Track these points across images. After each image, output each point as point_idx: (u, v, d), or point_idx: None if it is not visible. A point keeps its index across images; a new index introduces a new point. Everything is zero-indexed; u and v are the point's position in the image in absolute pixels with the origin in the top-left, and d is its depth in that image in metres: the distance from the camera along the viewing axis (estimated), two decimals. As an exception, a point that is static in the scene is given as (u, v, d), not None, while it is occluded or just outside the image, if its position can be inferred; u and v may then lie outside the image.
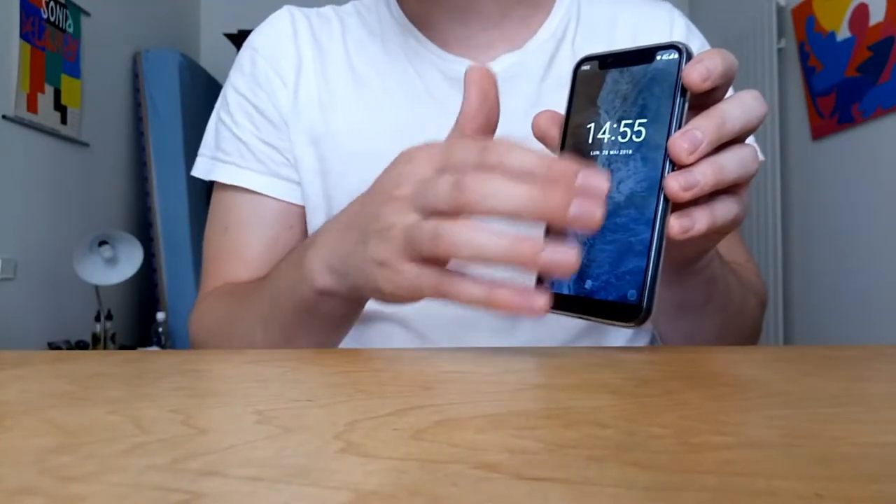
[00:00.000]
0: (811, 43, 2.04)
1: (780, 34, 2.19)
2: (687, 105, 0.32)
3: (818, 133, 2.03)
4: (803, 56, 2.08)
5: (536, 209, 0.29)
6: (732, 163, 0.32)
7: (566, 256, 0.29)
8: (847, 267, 1.90)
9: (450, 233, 0.30)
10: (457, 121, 0.36)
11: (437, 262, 0.32)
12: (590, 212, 0.29)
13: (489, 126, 0.36)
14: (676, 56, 0.32)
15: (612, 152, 0.33)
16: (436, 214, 0.31)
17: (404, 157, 0.35)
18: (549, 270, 0.30)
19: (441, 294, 0.32)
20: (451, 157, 0.33)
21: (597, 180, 0.29)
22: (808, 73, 2.06)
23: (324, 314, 0.43)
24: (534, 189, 0.29)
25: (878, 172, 1.78)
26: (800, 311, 2.15)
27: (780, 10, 2.20)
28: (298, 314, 0.43)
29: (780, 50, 2.20)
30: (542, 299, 0.30)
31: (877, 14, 1.76)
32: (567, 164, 0.30)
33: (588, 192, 0.29)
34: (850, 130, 1.89)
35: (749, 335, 0.55)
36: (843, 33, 1.90)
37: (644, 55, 0.34)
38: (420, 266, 0.32)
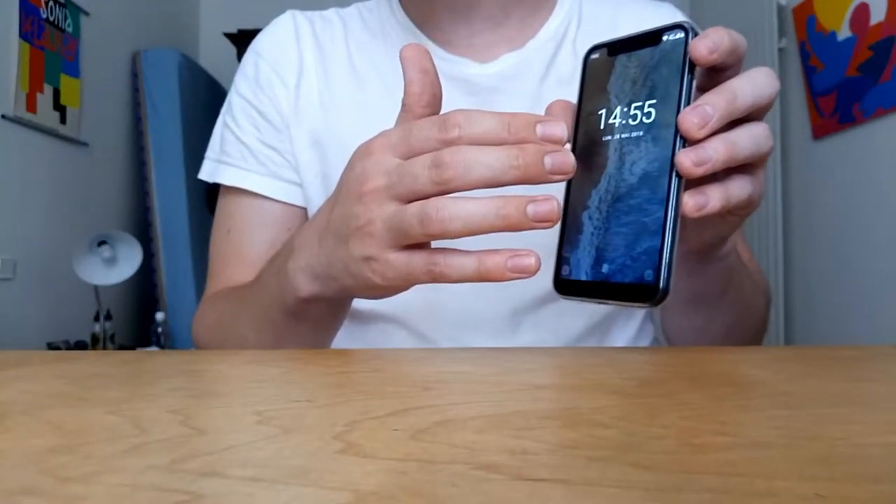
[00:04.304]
0: (812, 42, 2.04)
1: (781, 34, 2.19)
2: (695, 83, 0.32)
3: (819, 132, 2.03)
4: (804, 55, 2.08)
5: (518, 169, 0.30)
6: (745, 139, 0.32)
7: (550, 205, 0.30)
8: (848, 266, 1.90)
9: (437, 209, 0.30)
10: (403, 103, 0.36)
11: (420, 247, 0.33)
12: (563, 160, 0.30)
13: (436, 101, 0.36)
14: (682, 35, 0.32)
15: (623, 136, 0.33)
16: (416, 198, 0.31)
17: (362, 152, 0.35)
18: (537, 224, 0.30)
19: (433, 275, 0.32)
20: (410, 139, 0.33)
21: (554, 128, 0.30)
22: (808, 72, 2.06)
23: (311, 318, 0.43)
24: (510, 149, 0.30)
25: (878, 172, 1.78)
26: (800, 310, 2.14)
27: (780, 9, 2.19)
28: (286, 320, 0.43)
29: (780, 49, 2.19)
30: (533, 258, 0.30)
31: (877, 14, 1.76)
32: (525, 118, 0.31)
33: (552, 141, 0.30)
34: (850, 130, 1.89)
35: (755, 334, 0.55)
36: (844, 33, 1.89)
37: (651, 38, 0.34)
38: (407, 252, 0.33)
